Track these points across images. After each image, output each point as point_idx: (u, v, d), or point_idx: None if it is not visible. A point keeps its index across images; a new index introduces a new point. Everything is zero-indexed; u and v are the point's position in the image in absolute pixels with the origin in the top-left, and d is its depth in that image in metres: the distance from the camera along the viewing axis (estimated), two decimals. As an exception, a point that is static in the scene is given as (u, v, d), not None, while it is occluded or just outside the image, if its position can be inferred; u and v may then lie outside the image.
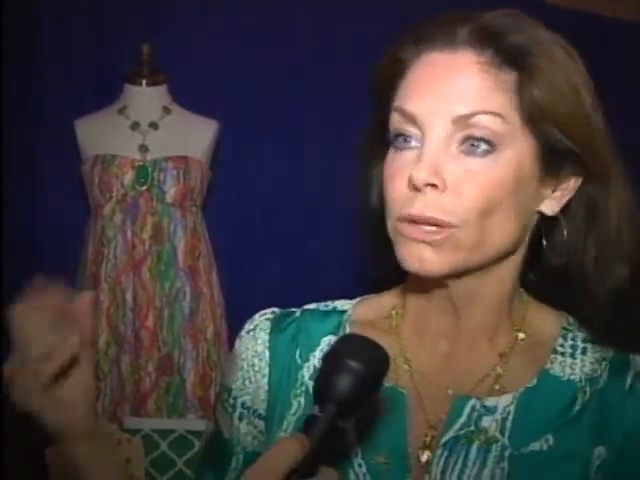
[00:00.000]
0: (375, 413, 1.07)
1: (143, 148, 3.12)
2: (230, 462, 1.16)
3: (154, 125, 3.15)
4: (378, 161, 1.09)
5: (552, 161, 1.04)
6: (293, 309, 1.19)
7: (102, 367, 3.02)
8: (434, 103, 1.01)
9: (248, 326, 1.18)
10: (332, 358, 0.93)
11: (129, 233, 3.06)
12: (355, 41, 3.61)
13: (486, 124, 1.00)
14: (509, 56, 1.02)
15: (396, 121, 1.04)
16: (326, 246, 3.55)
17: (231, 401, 1.16)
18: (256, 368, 1.15)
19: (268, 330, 1.16)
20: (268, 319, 1.17)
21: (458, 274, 1.05)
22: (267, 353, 1.15)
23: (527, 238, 1.09)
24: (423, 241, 1.00)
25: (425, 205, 1.00)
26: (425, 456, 1.06)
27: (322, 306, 1.19)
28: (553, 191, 1.07)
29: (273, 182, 3.64)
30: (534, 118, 1.01)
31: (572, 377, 1.08)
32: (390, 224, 1.04)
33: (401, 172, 1.02)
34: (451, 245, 1.01)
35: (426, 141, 1.02)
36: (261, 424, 1.14)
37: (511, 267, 1.09)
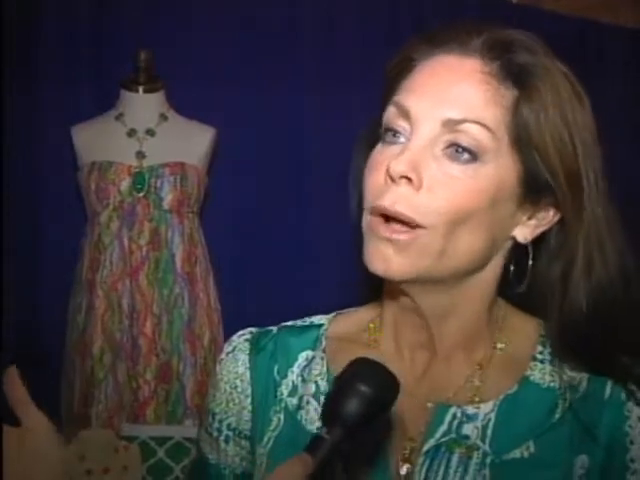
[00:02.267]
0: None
1: (140, 155, 3.13)
2: None
3: (151, 132, 3.16)
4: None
5: (533, 188, 1.03)
6: (270, 327, 1.19)
7: (96, 374, 3.03)
8: (429, 102, 1.02)
9: (227, 348, 1.18)
10: (344, 381, 0.92)
11: (125, 240, 3.07)
12: (356, 45, 3.63)
13: (473, 133, 1.00)
14: (513, 72, 1.02)
15: (390, 115, 1.04)
16: (323, 253, 3.55)
17: (216, 425, 1.16)
18: (239, 389, 1.15)
19: (247, 351, 1.16)
20: (247, 340, 1.17)
21: (423, 283, 1.04)
22: (248, 373, 1.15)
23: (499, 260, 1.08)
24: (389, 239, 1.00)
25: (396, 198, 1.00)
26: (404, 469, 1.06)
27: (299, 322, 1.19)
28: (529, 218, 1.06)
29: (270, 188, 3.64)
30: (521, 140, 1.01)
31: (552, 384, 1.07)
32: (364, 218, 1.04)
33: (382, 164, 1.02)
34: (416, 249, 1.00)
35: (413, 137, 1.02)
36: (247, 444, 1.15)
37: (482, 286, 1.08)
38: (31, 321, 3.34)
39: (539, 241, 1.07)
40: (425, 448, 1.05)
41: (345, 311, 1.19)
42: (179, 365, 3.08)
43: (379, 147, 1.05)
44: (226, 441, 1.16)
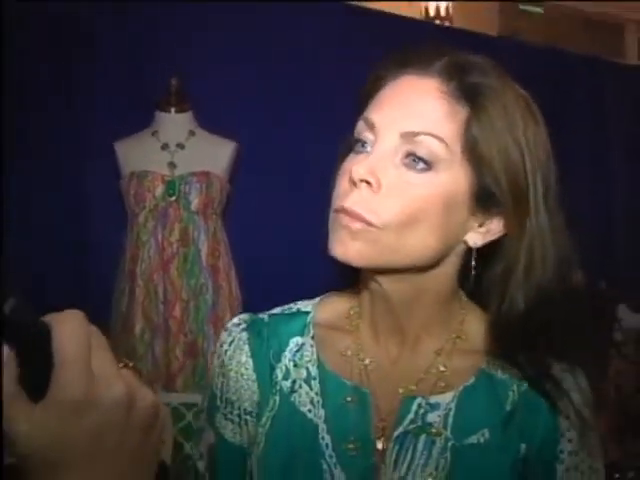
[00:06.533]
0: (343, 409, 1.11)
1: (172, 165, 3.31)
2: (245, 464, 1.17)
3: (181, 145, 3.34)
4: None
5: (483, 198, 1.05)
6: (261, 315, 1.20)
7: (138, 350, 3.21)
8: (392, 116, 1.04)
9: (227, 338, 1.18)
10: None
11: (160, 237, 3.25)
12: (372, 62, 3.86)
13: (428, 145, 1.02)
14: (466, 91, 1.04)
15: (359, 128, 1.08)
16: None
17: (236, 411, 1.17)
18: (245, 377, 1.17)
19: (246, 340, 1.17)
20: (243, 329, 1.18)
21: (386, 271, 1.06)
22: (250, 361, 1.17)
23: (454, 259, 1.09)
24: (345, 226, 1.02)
25: (356, 200, 1.02)
26: (380, 444, 1.10)
27: (286, 309, 1.20)
28: (480, 225, 1.07)
29: (286, 191, 3.82)
30: (471, 153, 1.03)
31: (504, 377, 1.10)
32: (330, 217, 1.06)
33: (348, 170, 1.05)
34: (367, 239, 1.02)
35: (375, 146, 1.05)
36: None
37: (440, 280, 1.09)
38: (81, 307, 3.65)
39: (489, 243, 1.08)
40: (395, 434, 1.09)
41: (329, 295, 1.21)
42: (204, 343, 3.24)
43: (350, 156, 1.08)
44: (246, 424, 1.16)
